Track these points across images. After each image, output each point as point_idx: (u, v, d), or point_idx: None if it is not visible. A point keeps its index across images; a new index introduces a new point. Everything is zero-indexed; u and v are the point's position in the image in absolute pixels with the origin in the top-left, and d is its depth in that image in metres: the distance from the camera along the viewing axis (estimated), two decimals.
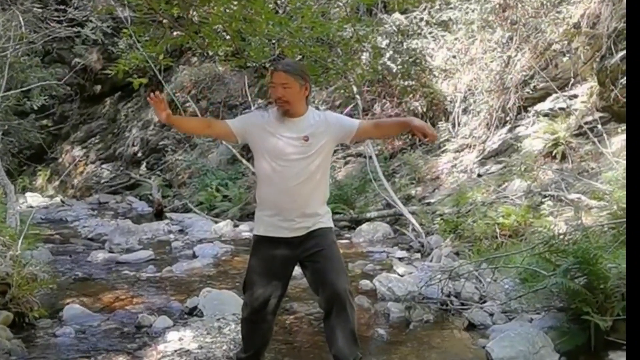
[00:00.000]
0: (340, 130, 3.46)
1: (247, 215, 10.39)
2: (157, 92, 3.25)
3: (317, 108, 4.60)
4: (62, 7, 11.62)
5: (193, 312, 5.19)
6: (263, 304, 3.42)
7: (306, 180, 3.37)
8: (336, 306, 3.29)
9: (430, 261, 6.82)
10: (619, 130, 7.56)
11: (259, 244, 3.50)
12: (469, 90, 10.49)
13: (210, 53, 13.84)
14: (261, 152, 3.41)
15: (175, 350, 4.25)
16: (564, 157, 7.98)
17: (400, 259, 7.19)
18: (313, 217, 3.43)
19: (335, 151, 12.18)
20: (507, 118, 9.46)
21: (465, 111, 10.51)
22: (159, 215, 11.87)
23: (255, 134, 3.42)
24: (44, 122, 16.88)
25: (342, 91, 11.69)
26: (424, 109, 10.94)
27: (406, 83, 11.06)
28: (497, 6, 10.05)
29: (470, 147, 9.91)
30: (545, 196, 7.22)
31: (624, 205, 5.51)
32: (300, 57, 5.81)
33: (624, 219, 4.83)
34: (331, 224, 3.53)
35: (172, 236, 9.38)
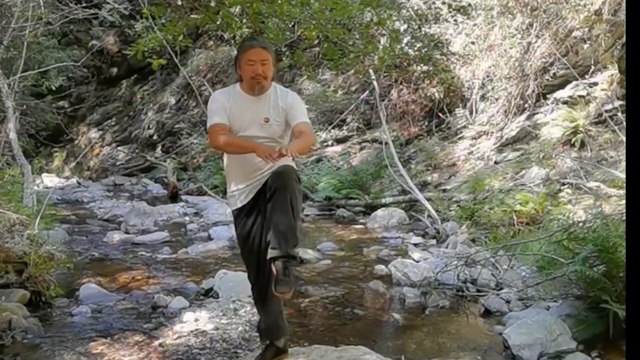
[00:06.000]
0: (289, 115, 3.38)
1: None
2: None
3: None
4: None
5: (209, 293, 5.22)
6: (262, 264, 3.33)
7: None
8: (278, 189, 3.15)
9: (446, 247, 6.80)
10: None
11: (237, 216, 3.49)
12: (487, 76, 10.40)
13: (227, 36, 13.81)
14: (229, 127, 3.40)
15: (191, 331, 4.26)
16: (583, 145, 7.91)
17: (415, 244, 7.17)
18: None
19: (350, 137, 12.12)
20: (526, 105, 9.38)
21: (483, 98, 10.42)
22: (173, 197, 11.90)
23: (229, 111, 3.38)
24: (61, 103, 16.93)
25: (359, 76, 11.63)
26: (441, 95, 10.87)
27: (424, 68, 10.97)
28: None
29: (487, 134, 9.83)
30: (563, 184, 7.16)
31: None
32: (319, 39, 5.76)
33: None
34: (292, 164, 3.39)
35: (187, 218, 9.40)
